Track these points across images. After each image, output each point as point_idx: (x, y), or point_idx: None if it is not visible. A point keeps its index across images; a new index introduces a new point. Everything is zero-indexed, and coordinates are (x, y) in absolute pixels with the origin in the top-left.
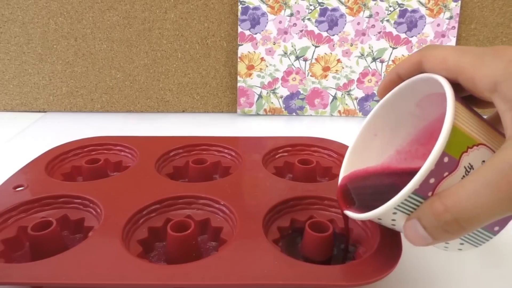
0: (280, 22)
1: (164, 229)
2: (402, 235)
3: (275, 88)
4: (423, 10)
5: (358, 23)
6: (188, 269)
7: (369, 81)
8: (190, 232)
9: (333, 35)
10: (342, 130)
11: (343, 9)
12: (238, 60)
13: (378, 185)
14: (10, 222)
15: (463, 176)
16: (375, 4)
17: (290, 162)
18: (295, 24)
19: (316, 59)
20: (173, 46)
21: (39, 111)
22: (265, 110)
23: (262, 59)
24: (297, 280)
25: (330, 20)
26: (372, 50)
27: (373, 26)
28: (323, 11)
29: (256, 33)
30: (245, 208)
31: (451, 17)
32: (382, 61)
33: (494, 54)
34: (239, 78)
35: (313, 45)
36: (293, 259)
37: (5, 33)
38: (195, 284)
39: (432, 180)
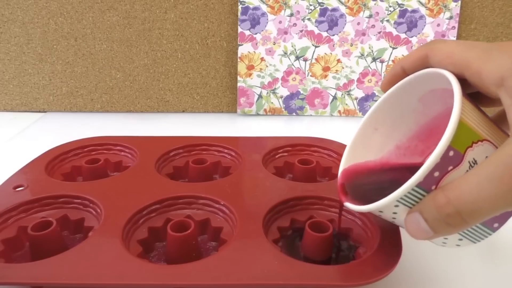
0: (280, 22)
1: (164, 229)
2: (402, 235)
3: (275, 88)
4: (423, 10)
5: (358, 23)
6: (188, 269)
7: (369, 81)
8: (190, 232)
9: (333, 35)
10: (342, 130)
11: (343, 9)
12: (238, 60)
13: (378, 180)
14: (10, 222)
15: (467, 170)
16: (375, 4)
17: (290, 162)
18: (295, 24)
19: (316, 59)
20: (173, 46)
21: (39, 111)
22: (265, 110)
23: (262, 59)
24: (297, 280)
25: (330, 20)
26: (372, 50)
27: (373, 26)
28: (323, 11)
29: (256, 33)
30: (245, 208)
31: (451, 17)
32: (382, 61)
33: (501, 49)
34: (239, 78)
35: (313, 45)
36: (293, 259)
37: (5, 33)
38: (195, 284)
39: (436, 174)
